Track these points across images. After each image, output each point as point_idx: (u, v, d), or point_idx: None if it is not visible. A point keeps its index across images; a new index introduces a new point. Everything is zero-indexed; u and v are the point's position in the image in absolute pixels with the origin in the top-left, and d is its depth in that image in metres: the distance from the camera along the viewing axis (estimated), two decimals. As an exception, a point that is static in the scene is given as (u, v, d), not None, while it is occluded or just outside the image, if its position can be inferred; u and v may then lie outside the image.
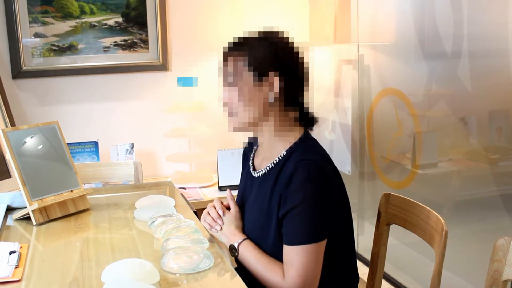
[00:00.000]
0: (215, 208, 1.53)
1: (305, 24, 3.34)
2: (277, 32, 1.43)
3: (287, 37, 1.42)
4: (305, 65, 1.43)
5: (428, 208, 1.51)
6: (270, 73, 1.37)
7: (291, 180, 1.32)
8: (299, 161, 1.33)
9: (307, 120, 1.46)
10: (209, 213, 1.54)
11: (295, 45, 1.42)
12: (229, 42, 1.43)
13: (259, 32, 1.43)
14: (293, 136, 1.43)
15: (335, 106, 3.21)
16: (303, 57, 1.42)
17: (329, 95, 3.26)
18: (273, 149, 1.45)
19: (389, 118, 2.77)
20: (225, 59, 1.42)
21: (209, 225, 1.53)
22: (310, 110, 1.47)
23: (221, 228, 1.50)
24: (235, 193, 1.61)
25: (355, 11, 2.98)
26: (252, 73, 1.38)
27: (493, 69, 2.14)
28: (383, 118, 2.85)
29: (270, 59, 1.37)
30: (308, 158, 1.34)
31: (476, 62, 2.21)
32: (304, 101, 1.45)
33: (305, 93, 1.44)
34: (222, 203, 1.54)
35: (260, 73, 1.37)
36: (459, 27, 2.26)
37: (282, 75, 1.37)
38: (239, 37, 1.42)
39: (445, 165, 2.48)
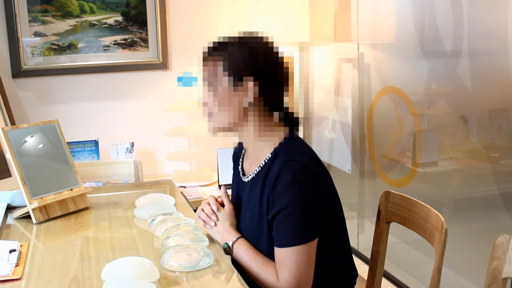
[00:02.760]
0: (209, 204, 1.53)
1: (305, 22, 3.33)
2: (257, 34, 1.42)
3: (268, 40, 1.41)
4: (284, 66, 1.41)
5: (428, 206, 1.51)
6: (246, 79, 1.36)
7: (277, 182, 1.32)
8: (284, 162, 1.33)
9: (290, 122, 1.45)
10: (203, 210, 1.53)
11: (277, 46, 1.41)
12: (208, 46, 1.43)
13: (239, 35, 1.42)
14: (277, 137, 1.42)
15: (335, 104, 3.21)
16: (282, 58, 1.41)
17: (329, 93, 3.26)
18: (259, 152, 1.44)
19: (389, 116, 2.77)
20: (204, 62, 1.42)
21: (203, 221, 1.52)
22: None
23: (216, 224, 1.50)
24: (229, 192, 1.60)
25: (355, 10, 2.98)
26: (228, 77, 1.38)
27: (493, 67, 2.14)
28: (383, 116, 2.85)
29: (247, 64, 1.37)
30: (292, 159, 1.33)
31: (476, 60, 2.21)
32: (286, 102, 1.43)
33: (285, 94, 1.42)
34: (216, 199, 1.54)
35: (236, 78, 1.37)
36: (459, 26, 2.26)
37: (258, 81, 1.37)
38: (219, 40, 1.42)
39: (445, 164, 2.48)
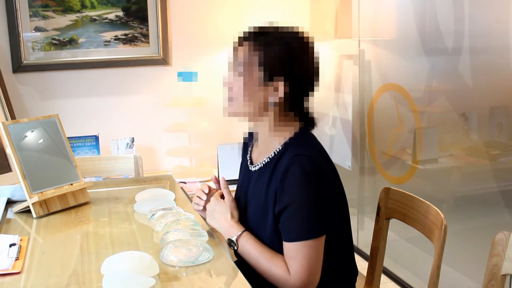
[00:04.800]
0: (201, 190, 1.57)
1: (305, 18, 3.33)
2: (296, 31, 1.40)
3: (304, 35, 1.39)
4: (315, 66, 1.41)
5: (428, 203, 1.51)
6: (277, 78, 1.36)
7: (286, 175, 1.32)
8: (294, 156, 1.33)
9: (306, 120, 1.45)
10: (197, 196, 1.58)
11: (312, 41, 1.40)
12: (248, 29, 1.40)
13: (279, 28, 1.40)
14: (289, 131, 1.42)
15: (335, 101, 3.21)
16: (313, 57, 1.40)
17: (330, 90, 3.26)
18: (269, 143, 1.44)
19: (390, 113, 2.77)
20: (240, 44, 1.40)
21: (197, 204, 1.56)
22: (311, 111, 1.46)
23: (205, 204, 1.53)
24: (232, 188, 1.61)
25: (356, 6, 2.98)
26: (260, 72, 1.37)
27: (493, 65, 2.14)
28: (383, 113, 2.85)
29: (282, 64, 1.36)
30: (303, 153, 1.33)
31: (477, 58, 2.21)
32: (308, 102, 1.43)
33: (310, 94, 1.42)
34: (209, 187, 1.57)
35: (268, 76, 1.36)
36: (460, 23, 2.25)
37: (289, 82, 1.36)
38: (260, 27, 1.39)
39: (445, 161, 2.49)
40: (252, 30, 1.40)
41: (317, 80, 1.43)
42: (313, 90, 1.42)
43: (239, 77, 1.39)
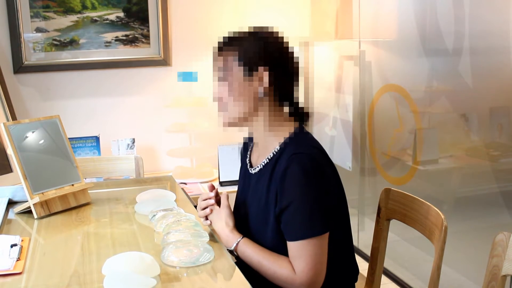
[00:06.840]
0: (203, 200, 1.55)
1: (306, 19, 3.34)
2: (267, 28, 1.44)
3: (277, 33, 1.43)
4: (295, 60, 1.43)
5: (428, 203, 1.51)
6: (260, 68, 1.38)
7: (285, 175, 1.33)
8: (292, 155, 1.33)
9: (300, 115, 1.46)
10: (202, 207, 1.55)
11: (286, 40, 1.43)
12: (219, 42, 1.44)
13: (249, 28, 1.44)
14: (287, 130, 1.43)
15: (336, 102, 3.21)
16: (293, 53, 1.43)
17: (330, 91, 3.26)
18: (268, 144, 1.45)
19: (390, 114, 2.77)
20: (217, 55, 1.44)
21: (205, 217, 1.53)
22: (305, 105, 1.47)
23: (211, 211, 1.50)
24: (232, 189, 1.61)
25: (356, 7, 2.98)
26: (242, 68, 1.38)
27: (494, 66, 2.14)
28: (384, 114, 2.85)
29: (260, 54, 1.38)
30: (301, 151, 1.34)
31: (478, 59, 2.21)
32: (296, 95, 1.45)
33: (295, 88, 1.44)
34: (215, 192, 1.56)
35: (250, 68, 1.38)
36: (461, 24, 2.26)
37: (271, 70, 1.38)
38: (230, 35, 1.43)
39: (445, 162, 2.49)
40: (226, 36, 1.43)
41: (297, 74, 1.44)
42: (297, 81, 1.44)
43: (224, 82, 1.41)
